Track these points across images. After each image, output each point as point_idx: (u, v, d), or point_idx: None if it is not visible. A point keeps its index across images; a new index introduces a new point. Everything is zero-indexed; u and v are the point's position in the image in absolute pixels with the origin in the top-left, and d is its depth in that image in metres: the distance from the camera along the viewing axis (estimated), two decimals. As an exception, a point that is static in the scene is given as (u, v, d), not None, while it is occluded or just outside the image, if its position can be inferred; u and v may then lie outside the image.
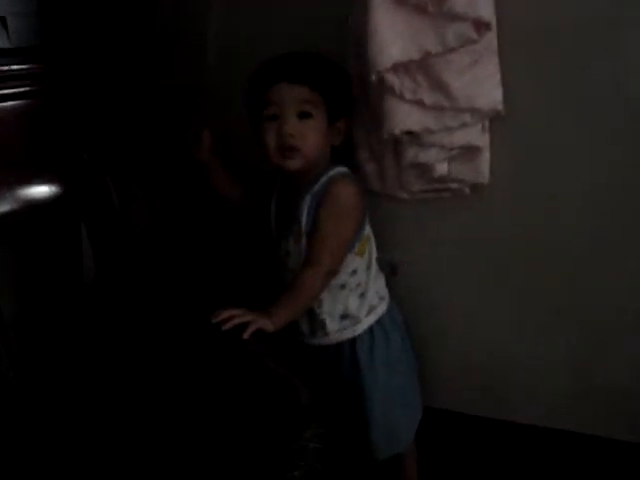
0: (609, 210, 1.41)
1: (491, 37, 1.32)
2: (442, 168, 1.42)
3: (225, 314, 1.30)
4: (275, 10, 1.62)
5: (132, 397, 1.35)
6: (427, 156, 1.40)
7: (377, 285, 1.52)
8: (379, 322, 1.50)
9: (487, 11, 1.27)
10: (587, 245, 1.44)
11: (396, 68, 1.32)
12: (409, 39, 1.30)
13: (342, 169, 1.44)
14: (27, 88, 1.18)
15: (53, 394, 1.43)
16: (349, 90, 1.47)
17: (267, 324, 1.31)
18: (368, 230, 1.48)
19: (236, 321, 1.29)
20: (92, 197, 1.33)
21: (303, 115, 1.38)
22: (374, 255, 1.51)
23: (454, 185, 1.47)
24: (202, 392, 1.31)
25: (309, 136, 1.39)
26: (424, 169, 1.44)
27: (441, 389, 1.67)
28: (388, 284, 1.57)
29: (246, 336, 1.28)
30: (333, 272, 1.41)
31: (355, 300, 1.47)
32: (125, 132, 1.56)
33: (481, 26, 1.29)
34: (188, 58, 1.70)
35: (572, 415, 1.56)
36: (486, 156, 1.43)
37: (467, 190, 1.48)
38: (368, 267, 1.49)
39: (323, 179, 1.41)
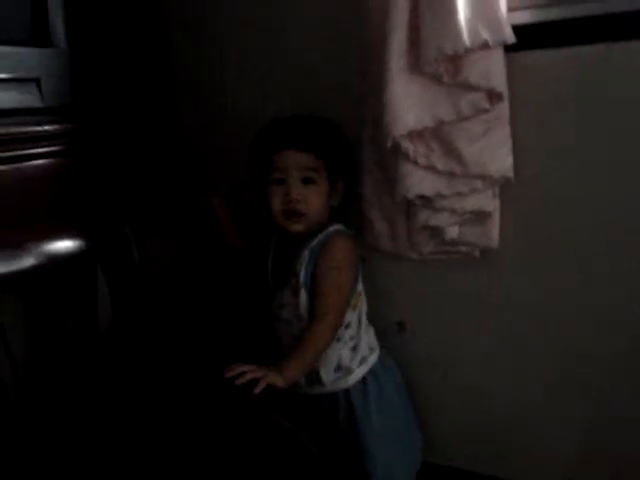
0: (615, 276, 1.43)
1: (503, 107, 1.37)
2: (453, 232, 1.46)
3: (238, 369, 1.33)
4: (285, 75, 1.70)
5: (143, 449, 1.37)
6: (439, 220, 1.44)
7: (368, 337, 1.57)
8: (372, 372, 1.54)
9: (500, 82, 1.33)
10: (594, 310, 1.46)
11: (411, 134, 1.37)
12: (424, 107, 1.35)
13: (338, 226, 1.52)
14: (57, 147, 1.22)
15: (65, 443, 1.44)
16: (349, 153, 1.55)
17: (278, 380, 1.34)
18: (361, 286, 1.55)
19: (248, 377, 1.32)
20: (113, 249, 1.36)
21: (307, 181, 1.47)
22: (364, 309, 1.56)
23: (464, 248, 1.50)
24: (213, 447, 1.33)
25: (313, 201, 1.47)
26: (435, 232, 1.48)
27: (444, 446, 1.68)
28: (395, 341, 1.62)
29: (257, 391, 1.30)
30: (339, 324, 1.47)
31: (348, 352, 1.52)
32: (143, 188, 1.60)
33: (494, 96, 1.34)
34: (206, 118, 1.76)
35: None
36: (496, 221, 1.47)
37: (476, 253, 1.51)
38: (359, 321, 1.54)
39: (321, 236, 1.49)
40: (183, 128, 1.77)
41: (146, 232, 1.45)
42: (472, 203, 1.42)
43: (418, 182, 1.40)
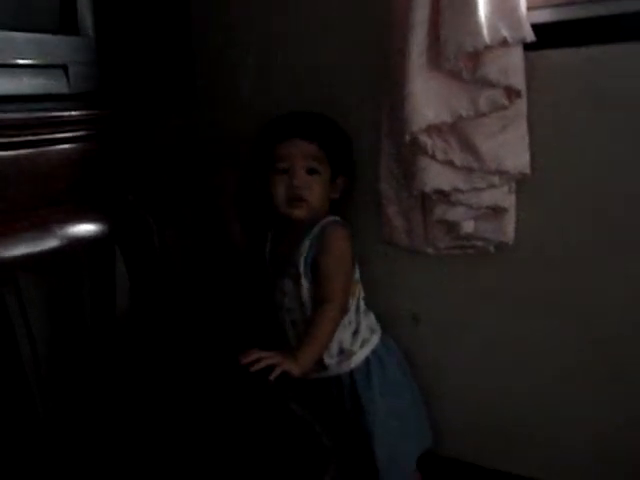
0: (630, 271, 1.44)
1: (521, 104, 1.39)
2: (469, 226, 1.47)
3: (254, 356, 1.35)
4: (301, 72, 1.72)
5: (157, 434, 1.39)
6: (455, 214, 1.46)
7: (368, 321, 1.62)
8: (374, 352, 1.58)
9: (518, 79, 1.34)
10: (608, 305, 1.47)
11: (429, 129, 1.38)
12: (443, 103, 1.37)
13: (334, 217, 1.57)
14: (83, 132, 1.25)
15: (82, 428, 1.47)
16: (349, 149, 1.62)
17: (293, 367, 1.37)
18: (357, 274, 1.60)
19: (263, 363, 1.34)
20: (134, 236, 1.39)
21: (311, 171, 1.52)
22: (362, 295, 1.62)
23: (479, 243, 1.51)
24: (226, 432, 1.34)
25: (315, 189, 1.53)
26: (451, 226, 1.49)
27: (452, 438, 1.69)
28: (410, 333, 1.65)
29: (272, 378, 1.33)
30: (345, 307, 1.53)
31: (349, 336, 1.56)
32: (164, 176, 1.63)
33: (512, 93, 1.35)
34: (222, 114, 1.79)
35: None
36: (511, 216, 1.48)
37: (492, 248, 1.52)
38: (357, 307, 1.59)
39: (318, 226, 1.54)
40: (203, 118, 1.80)
41: (167, 220, 1.47)
42: (488, 198, 1.43)
43: (435, 176, 1.42)
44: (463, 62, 1.34)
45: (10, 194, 1.14)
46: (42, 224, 1.21)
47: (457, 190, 1.42)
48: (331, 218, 1.56)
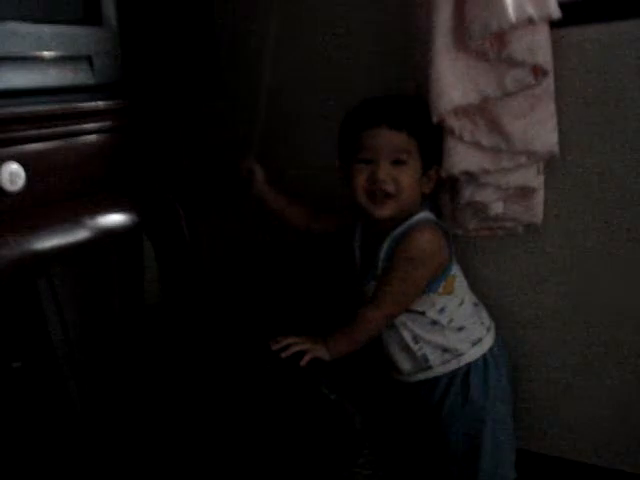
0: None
1: (548, 82, 1.37)
2: (497, 207, 1.46)
3: (284, 342, 1.35)
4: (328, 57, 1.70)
5: (190, 416, 1.40)
6: (483, 195, 1.44)
7: (480, 317, 1.50)
8: (491, 352, 1.47)
9: (545, 58, 1.32)
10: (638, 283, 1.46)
11: (456, 111, 1.37)
12: (469, 84, 1.35)
13: (426, 215, 1.43)
14: (110, 123, 1.26)
15: (115, 413, 1.48)
16: (442, 137, 1.44)
17: (324, 353, 1.36)
18: (455, 270, 1.46)
19: (294, 349, 1.35)
20: (163, 224, 1.39)
21: (398, 162, 1.37)
22: (467, 291, 1.50)
23: (508, 224, 1.51)
24: (258, 416, 1.35)
25: (403, 183, 1.37)
26: (480, 208, 1.48)
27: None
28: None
29: (303, 364, 1.33)
30: (393, 315, 1.42)
31: (454, 334, 1.45)
32: (192, 164, 1.63)
33: (539, 72, 1.33)
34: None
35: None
36: (540, 197, 1.47)
37: (520, 229, 1.52)
38: (460, 303, 1.47)
39: (404, 225, 1.40)
40: (230, 106, 1.79)
41: (196, 208, 1.47)
42: (517, 179, 1.42)
43: (463, 158, 1.40)
44: (489, 42, 1.32)
45: (41, 187, 1.15)
46: (73, 216, 1.22)
47: (485, 171, 1.41)
48: (422, 215, 1.42)
